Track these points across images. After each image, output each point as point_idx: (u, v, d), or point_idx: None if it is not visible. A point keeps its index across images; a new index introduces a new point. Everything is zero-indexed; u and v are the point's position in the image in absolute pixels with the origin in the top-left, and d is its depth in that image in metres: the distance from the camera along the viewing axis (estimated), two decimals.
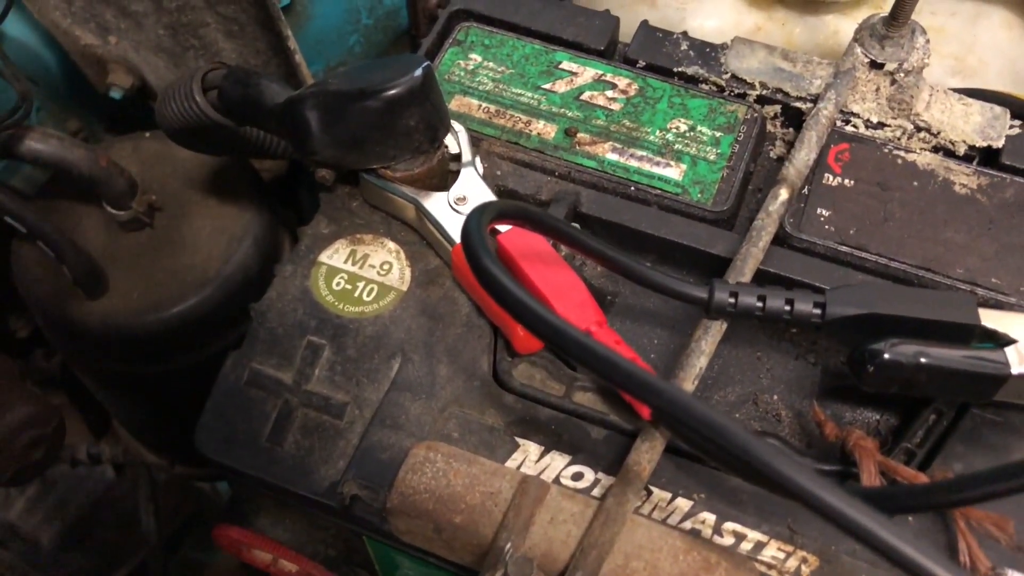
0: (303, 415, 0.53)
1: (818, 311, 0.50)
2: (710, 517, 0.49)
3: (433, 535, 0.48)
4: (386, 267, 0.57)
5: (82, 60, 0.81)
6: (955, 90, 0.64)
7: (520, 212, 0.49)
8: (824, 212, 0.58)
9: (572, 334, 0.41)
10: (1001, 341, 0.48)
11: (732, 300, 0.50)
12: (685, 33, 0.66)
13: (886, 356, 0.47)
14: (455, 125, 0.59)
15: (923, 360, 0.47)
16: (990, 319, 0.49)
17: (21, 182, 0.88)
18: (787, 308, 0.50)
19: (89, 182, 0.71)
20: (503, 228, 0.55)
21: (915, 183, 0.59)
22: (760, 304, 0.50)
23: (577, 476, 0.50)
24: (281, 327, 0.55)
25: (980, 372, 0.47)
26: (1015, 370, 0.47)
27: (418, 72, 0.53)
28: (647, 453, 0.48)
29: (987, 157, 0.61)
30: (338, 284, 0.56)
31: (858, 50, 0.62)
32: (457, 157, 0.59)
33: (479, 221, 0.44)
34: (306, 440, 0.52)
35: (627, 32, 0.68)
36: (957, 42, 0.71)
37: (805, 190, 0.58)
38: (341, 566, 0.61)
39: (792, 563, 0.47)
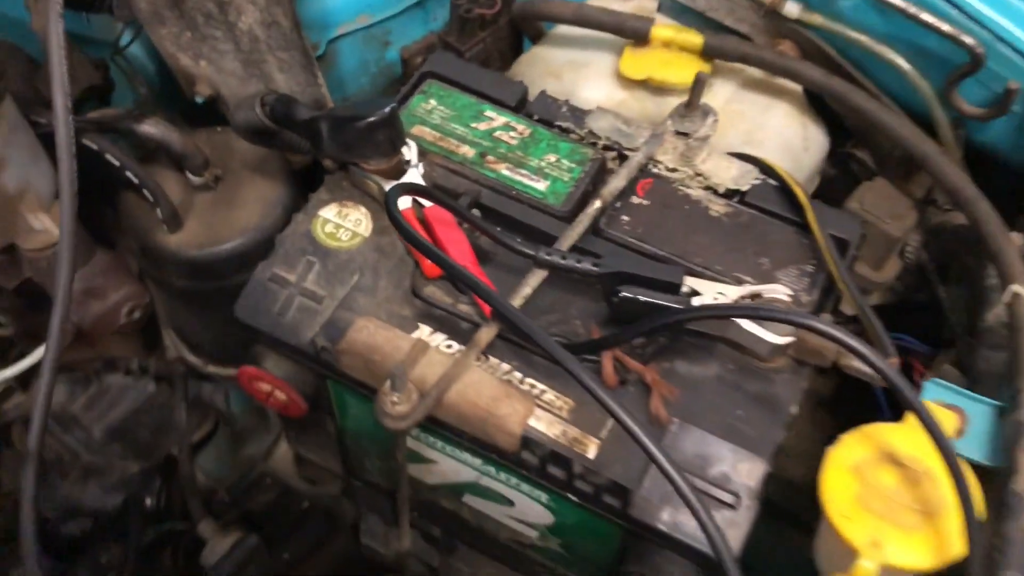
0: (299, 301, 0.90)
1: (596, 268, 0.87)
2: (518, 375, 0.85)
3: (363, 367, 0.86)
4: (358, 221, 0.95)
5: (179, 74, 1.14)
6: (730, 153, 1.01)
7: (417, 189, 0.87)
8: (626, 218, 0.95)
9: (448, 261, 0.79)
10: (695, 293, 0.85)
11: (547, 256, 0.87)
12: (567, 101, 1.04)
13: (622, 295, 0.84)
14: (409, 141, 0.96)
15: (641, 299, 0.84)
16: (692, 282, 0.86)
17: None
18: (578, 264, 0.87)
19: (180, 155, 1.09)
20: (428, 204, 0.93)
21: (687, 207, 0.96)
22: (563, 260, 0.87)
23: (448, 345, 0.87)
24: (292, 249, 0.93)
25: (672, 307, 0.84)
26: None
27: (387, 109, 0.90)
28: (486, 335, 0.85)
29: (738, 196, 0.98)
30: (327, 228, 0.94)
31: (668, 122, 1.00)
32: (409, 162, 0.96)
33: (395, 191, 0.82)
34: (299, 315, 0.90)
35: (534, 95, 1.05)
36: (750, 122, 1.07)
37: (618, 204, 0.96)
38: (312, 404, 0.98)
39: (559, 403, 0.84)
